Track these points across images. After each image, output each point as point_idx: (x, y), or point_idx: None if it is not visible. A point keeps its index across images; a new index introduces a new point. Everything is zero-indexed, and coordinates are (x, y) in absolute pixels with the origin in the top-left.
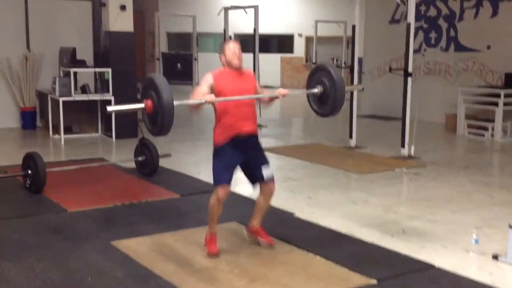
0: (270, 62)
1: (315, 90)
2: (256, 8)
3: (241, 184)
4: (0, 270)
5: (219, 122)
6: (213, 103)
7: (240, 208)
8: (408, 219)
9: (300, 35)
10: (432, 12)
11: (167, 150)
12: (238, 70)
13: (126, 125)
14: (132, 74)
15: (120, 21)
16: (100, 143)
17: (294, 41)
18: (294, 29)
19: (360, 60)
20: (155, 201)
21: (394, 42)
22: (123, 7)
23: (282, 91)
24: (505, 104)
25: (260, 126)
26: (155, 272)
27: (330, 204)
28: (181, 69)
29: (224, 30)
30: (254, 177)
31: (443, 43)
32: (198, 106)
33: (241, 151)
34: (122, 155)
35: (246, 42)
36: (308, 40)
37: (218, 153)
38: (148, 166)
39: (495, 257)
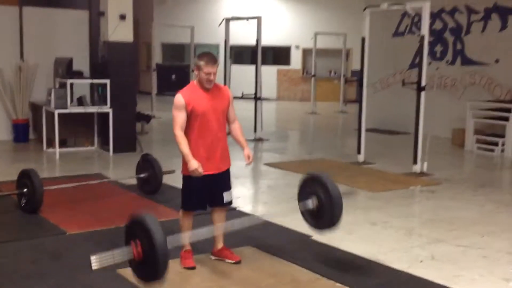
0: (267, 74)
1: (310, 206)
2: (259, 19)
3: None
4: None
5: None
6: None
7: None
8: (434, 243)
9: (297, 47)
10: (438, 25)
11: (169, 166)
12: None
13: (124, 139)
14: (132, 85)
15: (120, 30)
16: (97, 157)
17: (291, 53)
18: (291, 41)
19: (357, 73)
20: (160, 222)
21: (398, 55)
22: (122, 17)
23: (249, 157)
24: None
25: (261, 139)
26: None
27: (348, 225)
28: (175, 81)
29: (225, 41)
30: (213, 201)
31: (449, 56)
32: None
33: (209, 182)
34: (121, 170)
35: (242, 54)
36: (305, 52)
37: (185, 179)
38: (152, 183)
39: None
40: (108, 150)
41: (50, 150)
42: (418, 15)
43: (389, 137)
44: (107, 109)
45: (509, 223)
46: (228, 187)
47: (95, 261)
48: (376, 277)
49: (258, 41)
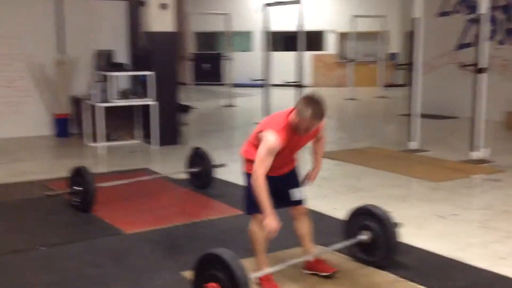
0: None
1: (363, 237)
2: (300, 4)
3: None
4: None
5: None
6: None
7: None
8: None
9: (332, 31)
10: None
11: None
12: None
13: (167, 132)
14: (174, 77)
15: (161, 20)
16: (141, 151)
17: (326, 37)
18: (325, 25)
19: (394, 56)
20: (218, 220)
21: (443, 36)
22: (164, 6)
23: (313, 176)
24: None
25: None
26: None
27: (416, 219)
28: (209, 70)
29: (265, 28)
30: (281, 201)
31: (499, 36)
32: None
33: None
34: (168, 164)
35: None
36: (340, 36)
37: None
38: (203, 178)
39: None
40: (151, 143)
41: (93, 144)
42: None
43: (438, 122)
44: (151, 101)
45: None
46: (295, 184)
47: None
48: (460, 278)
49: (300, 27)
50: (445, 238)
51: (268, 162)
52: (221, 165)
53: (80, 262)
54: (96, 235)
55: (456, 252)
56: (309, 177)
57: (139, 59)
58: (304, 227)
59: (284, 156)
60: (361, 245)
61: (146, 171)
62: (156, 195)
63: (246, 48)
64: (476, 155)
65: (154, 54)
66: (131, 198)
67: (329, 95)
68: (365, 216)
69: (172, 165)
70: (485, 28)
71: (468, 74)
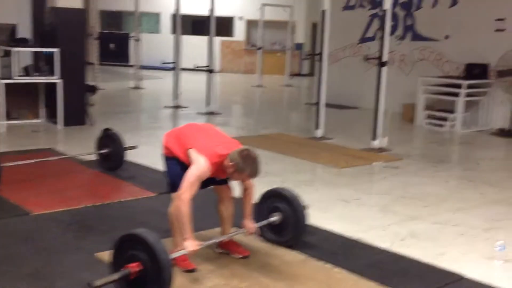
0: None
1: (274, 219)
2: None
3: None
4: None
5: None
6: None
7: None
8: (410, 220)
9: (240, 18)
10: None
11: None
12: None
13: (73, 112)
14: (82, 55)
15: None
16: (45, 131)
17: (234, 24)
18: (234, 12)
19: (300, 45)
20: (131, 201)
21: (347, 29)
22: None
23: (251, 227)
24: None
25: (214, 113)
26: None
27: (322, 203)
28: (115, 50)
29: (176, 11)
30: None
31: (399, 31)
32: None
33: None
34: (73, 145)
35: (185, 24)
36: (249, 23)
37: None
38: (113, 160)
39: None
40: (55, 123)
41: None
42: None
43: (340, 112)
44: (56, 79)
45: (476, 199)
46: None
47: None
48: (364, 256)
49: (211, 11)
50: (349, 220)
51: (196, 186)
52: (133, 147)
53: None
54: (2, 215)
55: (359, 233)
56: (248, 231)
57: (44, 35)
58: (227, 210)
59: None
60: (272, 226)
61: (52, 151)
62: (64, 176)
63: (154, 29)
64: (376, 143)
65: (60, 31)
66: (37, 179)
67: (237, 81)
68: (275, 199)
69: (79, 146)
70: (388, 23)
71: (369, 67)
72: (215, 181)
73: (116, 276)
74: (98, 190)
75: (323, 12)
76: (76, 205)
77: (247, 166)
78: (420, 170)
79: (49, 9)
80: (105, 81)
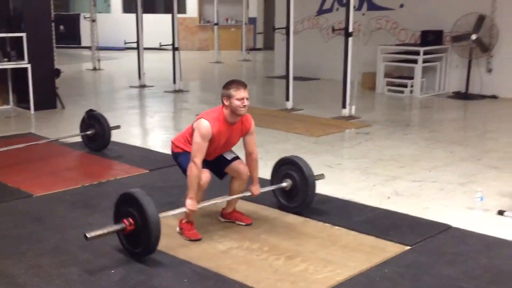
0: (161, 23)
1: (284, 184)
2: None
3: None
4: (3, 268)
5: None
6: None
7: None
8: (392, 180)
9: None
10: None
11: None
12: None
13: (44, 96)
14: (49, 38)
15: None
16: (18, 116)
17: (186, 0)
18: None
19: (254, 20)
20: (126, 178)
21: (304, 2)
22: None
23: (255, 191)
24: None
25: (182, 91)
26: (181, 258)
27: None
28: (65, 32)
29: None
30: (219, 167)
31: (355, 2)
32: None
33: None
34: (50, 128)
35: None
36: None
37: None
38: (99, 140)
39: (501, 212)
40: (25, 108)
41: None
42: None
43: (303, 83)
44: (25, 64)
45: (446, 157)
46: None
47: (91, 235)
48: (357, 215)
49: None
50: (336, 184)
51: (204, 147)
52: (117, 127)
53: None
54: (6, 198)
55: (349, 195)
56: (252, 194)
57: (10, 20)
58: (240, 187)
59: (217, 148)
60: (284, 191)
61: (33, 136)
62: (53, 158)
63: (104, 9)
64: (346, 112)
65: (25, 15)
66: (27, 162)
67: (194, 59)
68: (288, 166)
69: (56, 129)
70: None
71: (327, 39)
72: (226, 161)
73: (110, 229)
74: (92, 170)
75: None
76: (74, 185)
77: (228, 84)
78: (390, 134)
79: None
80: (60, 63)
